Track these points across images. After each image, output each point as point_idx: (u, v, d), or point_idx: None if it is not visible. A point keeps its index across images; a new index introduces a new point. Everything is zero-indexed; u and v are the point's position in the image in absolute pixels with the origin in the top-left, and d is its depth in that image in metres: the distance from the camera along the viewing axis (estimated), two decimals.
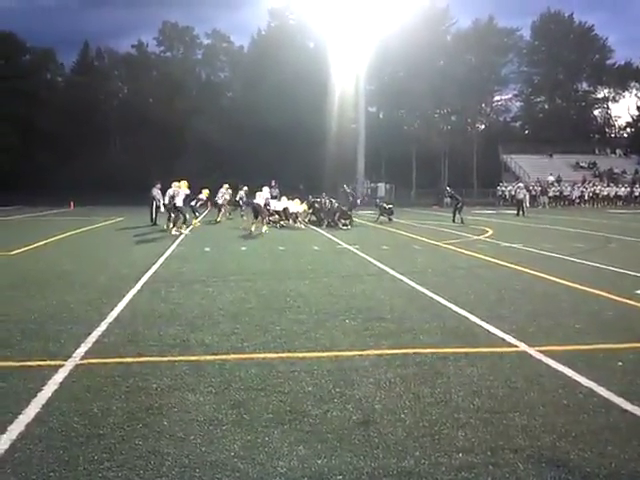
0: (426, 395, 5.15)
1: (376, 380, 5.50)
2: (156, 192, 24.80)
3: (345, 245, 17.30)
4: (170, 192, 23.13)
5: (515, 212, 34.50)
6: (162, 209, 23.98)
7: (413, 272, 11.95)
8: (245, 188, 30.48)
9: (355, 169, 55.62)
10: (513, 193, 41.86)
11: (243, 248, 16.80)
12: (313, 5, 57.19)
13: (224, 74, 74.89)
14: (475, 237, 20.10)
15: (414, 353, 6.34)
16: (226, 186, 28.88)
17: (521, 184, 42.88)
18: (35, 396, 5.05)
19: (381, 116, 69.83)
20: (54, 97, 66.28)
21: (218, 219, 27.38)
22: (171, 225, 21.55)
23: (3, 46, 67.09)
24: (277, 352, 6.38)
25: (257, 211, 22.45)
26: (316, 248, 16.87)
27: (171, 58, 72.33)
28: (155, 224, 24.70)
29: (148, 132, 60.06)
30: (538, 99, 75.13)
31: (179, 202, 21.47)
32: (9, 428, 4.42)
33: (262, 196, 22.90)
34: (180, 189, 21.83)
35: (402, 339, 6.91)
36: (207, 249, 16.56)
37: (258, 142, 58.20)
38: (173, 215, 21.72)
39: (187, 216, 22.25)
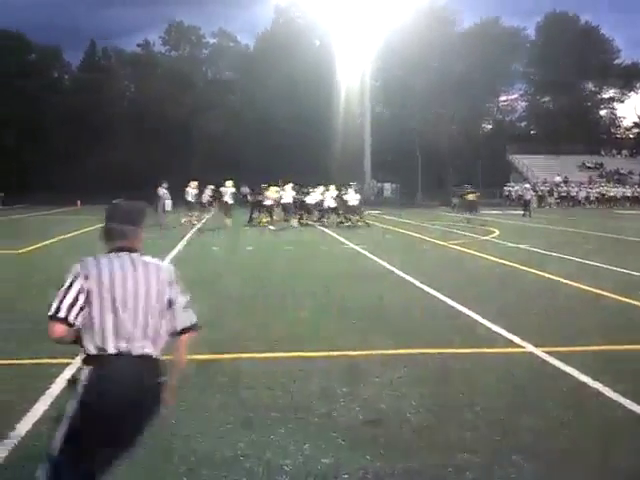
0: (432, 395, 5.16)
1: (382, 380, 5.51)
2: (162, 192, 24.89)
3: (352, 245, 17.30)
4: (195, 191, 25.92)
5: (522, 212, 34.43)
6: (168, 207, 24.43)
7: (420, 272, 11.93)
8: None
9: (362, 167, 55.57)
10: (520, 193, 41.69)
11: (249, 248, 16.82)
12: (319, 3, 57.17)
13: (230, 73, 74.92)
14: (482, 237, 20.07)
15: (421, 353, 6.35)
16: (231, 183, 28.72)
17: (527, 185, 42.78)
18: (43, 394, 5.08)
19: (387, 115, 69.79)
20: (61, 96, 66.38)
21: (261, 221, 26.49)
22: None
23: (10, 45, 67.38)
24: (284, 351, 6.40)
25: (286, 209, 25.05)
26: (323, 248, 16.88)
27: (177, 57, 72.38)
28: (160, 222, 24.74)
29: (155, 131, 60.14)
30: (544, 99, 74.81)
31: (229, 199, 24.45)
32: (17, 426, 4.46)
33: (288, 195, 25.14)
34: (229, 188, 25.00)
35: (409, 339, 6.91)
36: (214, 248, 16.61)
37: (264, 140, 58.25)
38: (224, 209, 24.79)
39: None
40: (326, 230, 22.66)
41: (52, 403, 4.90)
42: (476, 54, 64.95)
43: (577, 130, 65.52)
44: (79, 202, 42.55)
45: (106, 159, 57.65)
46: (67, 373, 5.61)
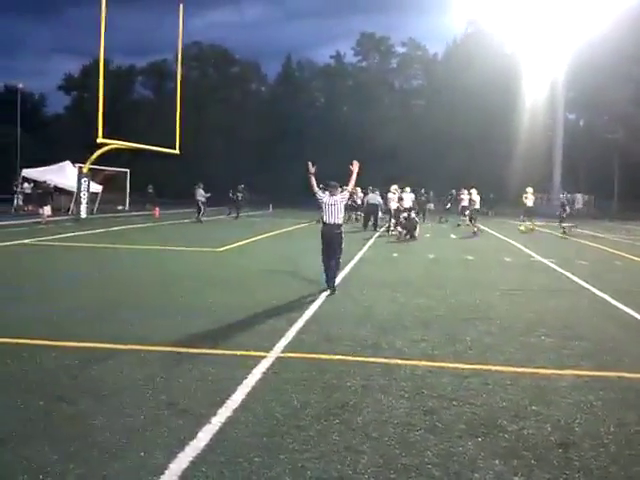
0: (633, 422, 4.80)
1: (575, 402, 5.23)
2: (379, 198, 26.88)
3: (539, 258, 16.57)
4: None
5: None
6: (380, 214, 27.24)
7: (616, 290, 11.12)
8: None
9: (548, 178, 52.94)
10: None
11: (430, 256, 16.72)
12: (511, 11, 55.34)
13: (417, 82, 75.10)
14: None
15: (618, 377, 5.93)
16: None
17: None
18: (241, 383, 5.43)
19: (581, 124, 65.92)
20: (257, 107, 70.78)
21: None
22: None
23: (216, 58, 73.74)
24: (468, 363, 6.29)
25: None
26: (507, 259, 16.32)
27: (366, 67, 73.95)
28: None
29: (342, 140, 61.82)
30: None
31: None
32: (219, 411, 4.80)
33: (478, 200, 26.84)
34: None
35: (604, 361, 6.49)
36: (395, 254, 16.74)
37: (447, 149, 57.74)
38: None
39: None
40: (505, 239, 21.86)
41: (249, 393, 5.22)
42: None
43: None
44: (270, 206, 44.97)
45: (295, 166, 60.35)
46: (263, 365, 5.99)
